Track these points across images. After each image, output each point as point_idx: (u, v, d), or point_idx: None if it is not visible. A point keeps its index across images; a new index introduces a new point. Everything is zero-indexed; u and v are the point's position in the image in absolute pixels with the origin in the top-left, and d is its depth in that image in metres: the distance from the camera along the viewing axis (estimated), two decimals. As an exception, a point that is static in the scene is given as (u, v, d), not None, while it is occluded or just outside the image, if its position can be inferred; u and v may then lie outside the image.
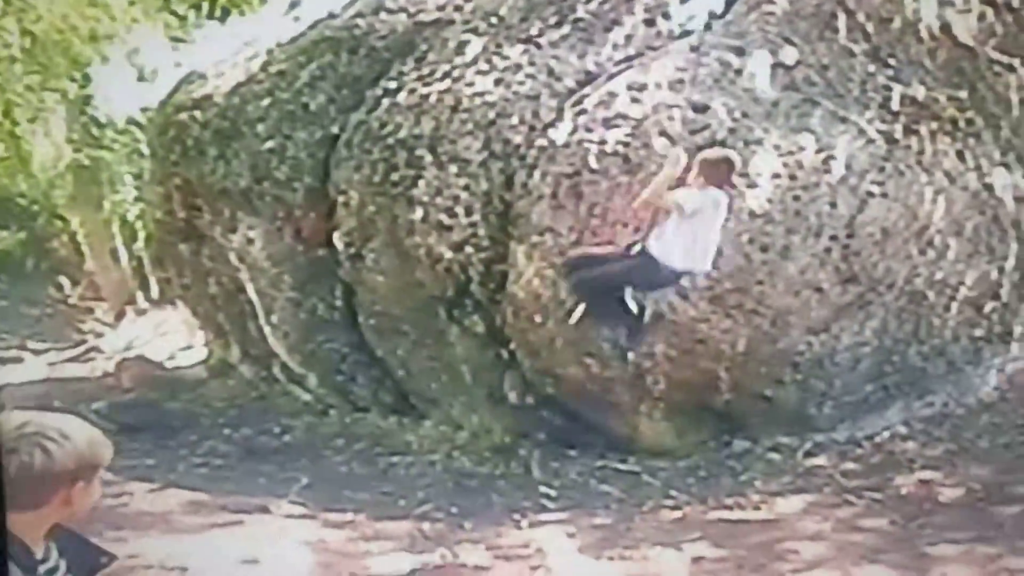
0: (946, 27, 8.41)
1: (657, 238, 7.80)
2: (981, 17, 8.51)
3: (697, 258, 7.77)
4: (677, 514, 7.03)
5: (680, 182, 7.70)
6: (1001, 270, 8.28)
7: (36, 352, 14.30)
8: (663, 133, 7.90)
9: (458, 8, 9.34)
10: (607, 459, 7.82)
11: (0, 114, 14.85)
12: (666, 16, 8.69)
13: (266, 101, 9.48)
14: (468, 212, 8.31)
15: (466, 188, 8.37)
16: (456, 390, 8.56)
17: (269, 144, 9.29)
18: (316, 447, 8.62)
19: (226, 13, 13.87)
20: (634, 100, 8.10)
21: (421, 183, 8.45)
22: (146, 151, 12.34)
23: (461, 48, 8.93)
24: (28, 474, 2.75)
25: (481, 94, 8.55)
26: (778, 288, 7.65)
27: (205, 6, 14.04)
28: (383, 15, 9.56)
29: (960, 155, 8.13)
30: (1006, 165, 8.32)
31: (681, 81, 8.13)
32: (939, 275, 8.04)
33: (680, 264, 7.77)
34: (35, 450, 2.75)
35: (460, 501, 7.45)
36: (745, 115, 7.97)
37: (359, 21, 9.62)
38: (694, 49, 8.35)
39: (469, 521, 7.16)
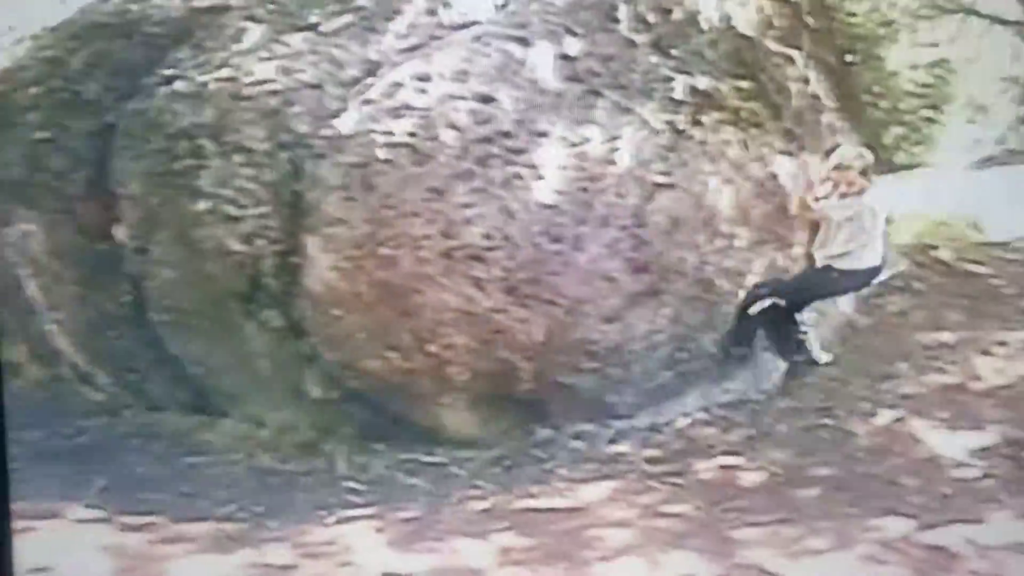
0: (726, 18, 8.56)
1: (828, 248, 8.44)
2: (760, 9, 8.73)
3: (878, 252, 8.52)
4: (484, 504, 7.00)
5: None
6: (788, 257, 8.50)
7: None
8: (450, 124, 7.81)
9: (237, -6, 9.08)
10: (413, 452, 7.70)
11: None
12: (447, 5, 8.58)
13: (36, 89, 8.99)
14: (257, 203, 8.03)
15: (253, 179, 8.07)
16: (256, 387, 8.25)
17: (43, 134, 8.80)
18: (112, 448, 8.21)
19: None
20: (419, 91, 7.94)
21: (205, 173, 8.11)
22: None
23: (239, 35, 8.61)
24: None
25: (263, 82, 8.25)
26: (571, 278, 7.65)
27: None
28: (156, 0, 9.21)
29: (744, 144, 8.27)
30: (789, 153, 8.53)
31: (465, 72, 8.02)
32: (728, 263, 8.16)
33: (871, 261, 8.49)
34: None
35: (264, 500, 7.25)
36: (530, 106, 7.91)
37: (132, 6, 9.16)
38: (477, 39, 8.24)
39: (274, 520, 6.99)
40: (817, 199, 8.49)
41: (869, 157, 8.53)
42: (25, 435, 8.98)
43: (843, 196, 8.41)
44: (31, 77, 9.11)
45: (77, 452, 8.31)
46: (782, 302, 8.35)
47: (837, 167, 8.42)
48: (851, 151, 8.54)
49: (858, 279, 8.71)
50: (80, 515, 7.06)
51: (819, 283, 8.61)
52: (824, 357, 8.49)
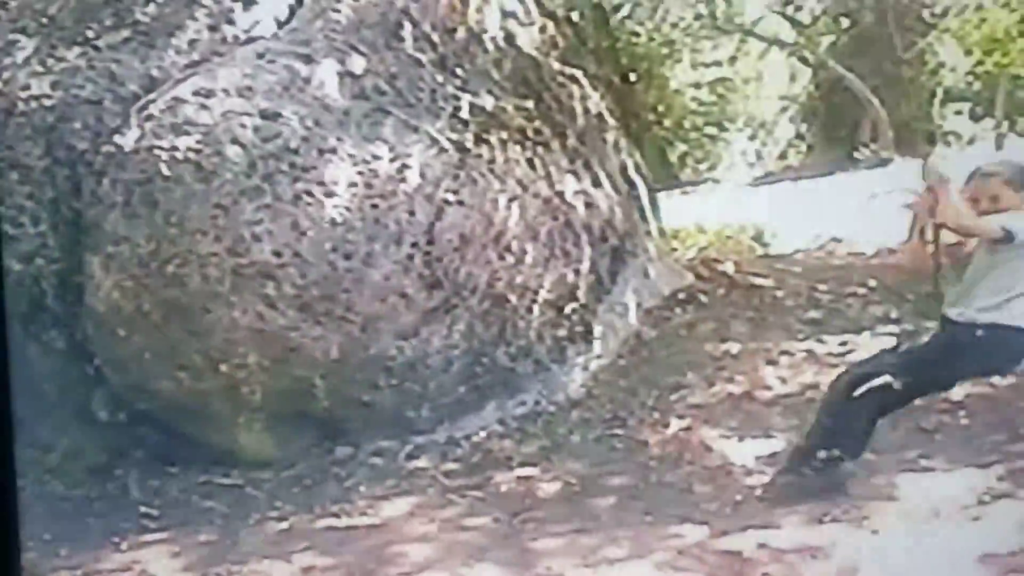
0: (510, 38, 8.63)
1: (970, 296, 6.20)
2: (543, 29, 8.81)
3: None
4: (284, 525, 6.83)
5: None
6: (577, 272, 8.56)
7: None
8: (235, 140, 7.63)
9: (3, 5, 8.68)
10: (209, 474, 7.49)
11: None
12: (231, 22, 8.40)
13: None
14: (35, 222, 7.73)
15: (30, 196, 7.78)
16: (42, 410, 7.83)
17: None
18: None
19: None
20: (202, 107, 7.75)
21: (-21, 192, 7.81)
22: None
23: (10, 48, 8.30)
24: None
25: (38, 97, 7.98)
26: (365, 295, 7.58)
27: None
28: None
29: (531, 163, 8.35)
30: (574, 172, 8.63)
31: (250, 88, 7.87)
32: (519, 279, 8.21)
33: None
34: None
35: (54, 527, 6.87)
36: (317, 123, 7.81)
37: None
38: (260, 56, 8.10)
39: (65, 547, 6.67)
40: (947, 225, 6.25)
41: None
42: None
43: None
44: None
45: None
46: (896, 383, 6.28)
47: (977, 175, 6.26)
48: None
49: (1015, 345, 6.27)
50: None
51: (954, 351, 6.31)
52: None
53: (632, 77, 10.03)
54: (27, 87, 8.00)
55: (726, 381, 8.33)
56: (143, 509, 7.18)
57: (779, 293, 9.31)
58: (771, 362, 8.61)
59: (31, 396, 7.99)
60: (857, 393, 6.29)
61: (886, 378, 6.23)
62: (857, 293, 9.21)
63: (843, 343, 8.84)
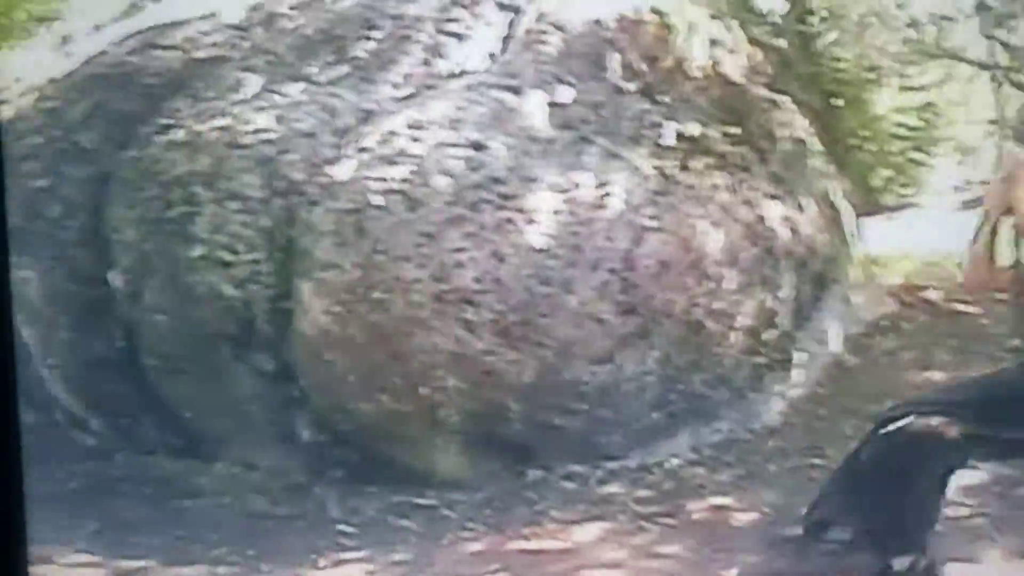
0: (716, 65, 8.50)
1: None
2: (748, 56, 8.66)
3: None
4: (476, 546, 6.82)
5: None
6: (777, 299, 8.33)
7: None
8: (443, 171, 7.72)
9: (234, 46, 8.98)
10: (405, 494, 7.51)
11: None
12: (443, 56, 8.52)
13: (37, 139, 8.92)
14: (250, 249, 7.94)
15: (247, 225, 7.98)
16: (246, 430, 8.12)
17: (40, 182, 8.74)
18: (103, 492, 8.04)
19: (-9, 46, 13.16)
20: (414, 139, 7.89)
21: (199, 220, 8.01)
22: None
23: (238, 86, 8.58)
24: None
25: (260, 131, 8.20)
26: (561, 320, 7.54)
27: (-32, 39, 13.30)
28: (157, 52, 9.11)
29: (733, 189, 8.17)
30: (777, 198, 8.42)
31: (459, 120, 7.97)
32: (717, 305, 8.00)
33: None
34: None
35: (256, 543, 7.07)
36: (523, 153, 7.85)
37: (132, 58, 9.16)
38: (471, 88, 8.20)
39: (266, 563, 6.82)
40: None
41: None
42: (17, 480, 8.84)
43: None
44: (32, 127, 9.05)
45: (69, 497, 8.11)
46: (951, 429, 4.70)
47: None
48: None
49: None
50: (72, 560, 6.91)
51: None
52: None
53: (836, 102, 9.71)
54: (250, 121, 8.27)
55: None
56: (340, 527, 7.26)
57: (983, 321, 8.88)
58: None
59: (237, 416, 8.26)
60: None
61: (933, 420, 4.60)
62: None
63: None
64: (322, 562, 6.80)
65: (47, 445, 9.29)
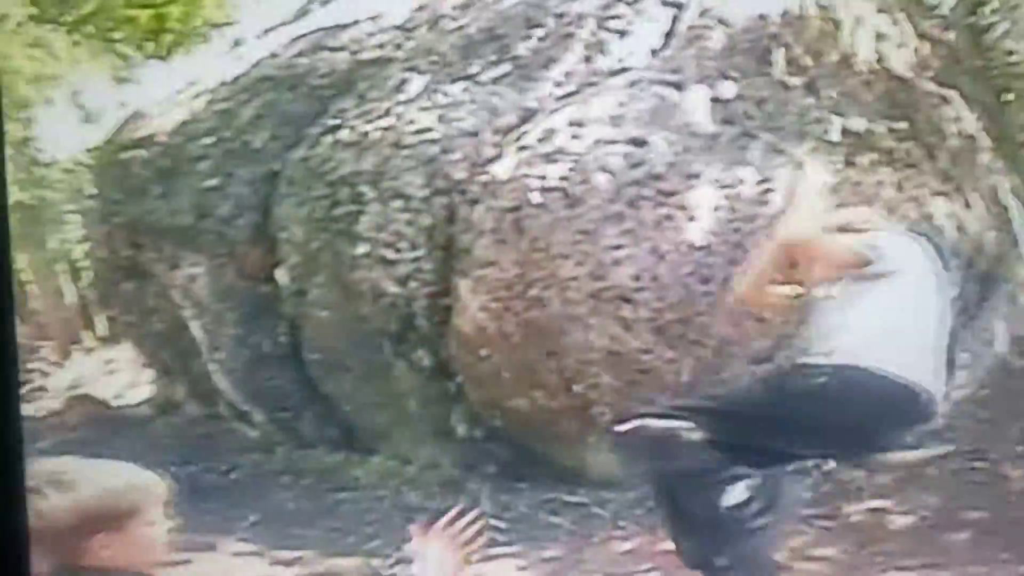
0: (883, 59, 8.32)
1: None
2: (916, 50, 8.45)
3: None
4: (628, 545, 6.78)
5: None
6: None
7: (-20, 393, 13.84)
8: (603, 168, 7.71)
9: (398, 47, 9.14)
10: (556, 491, 7.54)
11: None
12: (605, 52, 8.52)
13: (209, 139, 9.22)
14: (412, 247, 8.06)
15: (409, 223, 8.11)
16: (403, 424, 8.26)
17: (212, 182, 9.02)
18: (263, 484, 8.31)
19: (170, 52, 13.63)
20: (574, 136, 7.89)
21: (364, 219, 8.20)
22: (90, 191, 12.05)
23: (402, 86, 8.71)
24: (43, 521, 2.52)
25: (423, 131, 8.31)
26: (720, 319, 7.43)
27: (149, 46, 13.79)
28: (324, 54, 9.35)
29: (899, 185, 7.97)
30: (944, 195, 8.19)
31: (620, 116, 7.95)
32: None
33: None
34: (49, 495, 2.61)
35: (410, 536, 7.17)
36: (684, 149, 7.78)
37: (301, 60, 9.40)
38: (632, 85, 8.17)
39: (419, 556, 6.93)
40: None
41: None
42: (181, 470, 9.13)
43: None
44: (205, 129, 9.35)
45: (230, 487, 8.46)
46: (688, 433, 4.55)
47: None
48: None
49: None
50: (233, 548, 7.09)
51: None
52: None
53: (1007, 97, 9.37)
54: (414, 121, 8.40)
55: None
56: (493, 523, 7.29)
57: None
58: None
59: (395, 411, 8.38)
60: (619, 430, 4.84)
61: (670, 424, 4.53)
62: None
63: None
64: (474, 556, 6.86)
65: (211, 437, 9.62)
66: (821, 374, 4.42)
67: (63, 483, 2.68)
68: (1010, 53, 9.54)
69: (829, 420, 4.45)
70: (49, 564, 2.60)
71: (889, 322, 4.40)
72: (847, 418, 4.44)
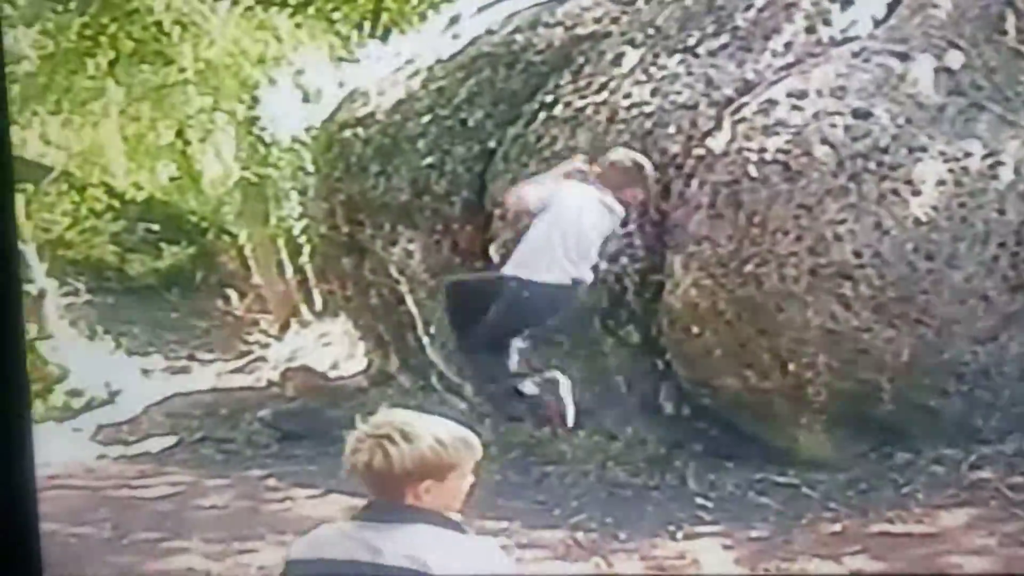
0: None
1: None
2: None
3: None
4: (836, 527, 6.70)
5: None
6: None
7: (204, 363, 14.59)
8: (824, 140, 7.62)
9: (615, 20, 9.18)
10: (765, 471, 7.49)
11: (173, 135, 15.20)
12: (827, 22, 8.39)
13: (426, 118, 9.42)
14: (624, 223, 8.12)
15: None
16: (610, 400, 8.28)
17: (429, 159, 9.22)
18: (471, 455, 8.43)
19: (387, 32, 13.97)
20: (794, 107, 7.79)
21: (576, 194, 8.29)
22: (310, 168, 12.45)
23: (618, 60, 8.74)
24: (369, 472, 3.19)
25: (638, 105, 8.33)
26: (943, 297, 7.25)
27: (367, 26, 14.15)
28: (540, 29, 9.44)
29: None
30: None
31: (843, 88, 7.81)
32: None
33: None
34: (376, 450, 3.17)
35: (614, 511, 7.24)
36: (909, 121, 7.60)
37: (517, 36, 9.51)
38: (856, 55, 8.03)
39: (623, 531, 6.96)
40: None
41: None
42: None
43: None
44: (422, 107, 9.56)
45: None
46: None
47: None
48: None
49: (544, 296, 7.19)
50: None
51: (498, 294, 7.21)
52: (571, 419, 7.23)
53: None
54: (629, 95, 8.44)
55: None
56: (699, 501, 7.31)
57: None
58: None
59: (603, 386, 8.43)
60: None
61: None
62: None
63: None
64: (680, 534, 6.88)
65: (422, 408, 9.77)
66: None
67: (409, 434, 3.20)
68: None
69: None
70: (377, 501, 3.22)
71: None
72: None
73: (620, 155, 7.59)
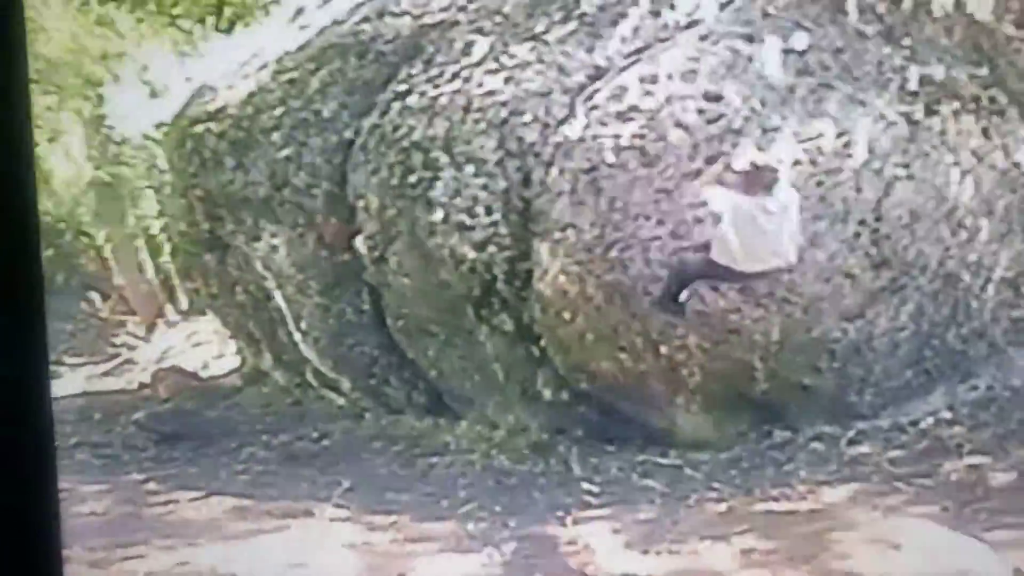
0: (960, 5, 7.81)
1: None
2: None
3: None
4: (723, 507, 6.43)
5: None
6: (1034, 248, 7.65)
7: (72, 366, 13.70)
8: (678, 124, 7.29)
9: (462, 9, 8.69)
10: (647, 453, 7.21)
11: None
12: (672, 7, 8.06)
13: (279, 110, 8.84)
14: (488, 211, 7.69)
15: (484, 188, 7.74)
16: (490, 389, 7.94)
17: (285, 152, 8.65)
18: (355, 450, 8.02)
19: (232, 25, 13.22)
20: (646, 93, 7.48)
21: (439, 184, 7.83)
22: (164, 166, 11.68)
23: (468, 48, 8.29)
24: None
25: (492, 93, 7.92)
26: (808, 276, 7.05)
27: (210, 20, 13.39)
28: (388, 19, 8.91)
29: (985, 133, 7.51)
30: (1032, 142, 7.70)
31: (692, 71, 7.52)
32: (973, 256, 7.42)
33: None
34: None
35: (502, 499, 6.87)
36: (761, 103, 7.37)
37: (364, 26, 8.97)
38: (703, 38, 7.72)
39: (513, 519, 6.54)
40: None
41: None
42: (274, 439, 8.86)
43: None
44: (274, 99, 8.96)
45: (323, 454, 8.14)
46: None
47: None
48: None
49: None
50: (330, 514, 6.77)
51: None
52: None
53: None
54: (482, 84, 7.98)
55: None
56: (585, 486, 6.98)
57: None
58: None
59: (481, 376, 8.05)
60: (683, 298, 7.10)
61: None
62: None
63: None
64: (568, 520, 6.51)
65: (300, 405, 9.33)
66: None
67: None
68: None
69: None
70: None
71: None
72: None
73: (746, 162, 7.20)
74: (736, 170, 7.10)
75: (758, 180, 7.00)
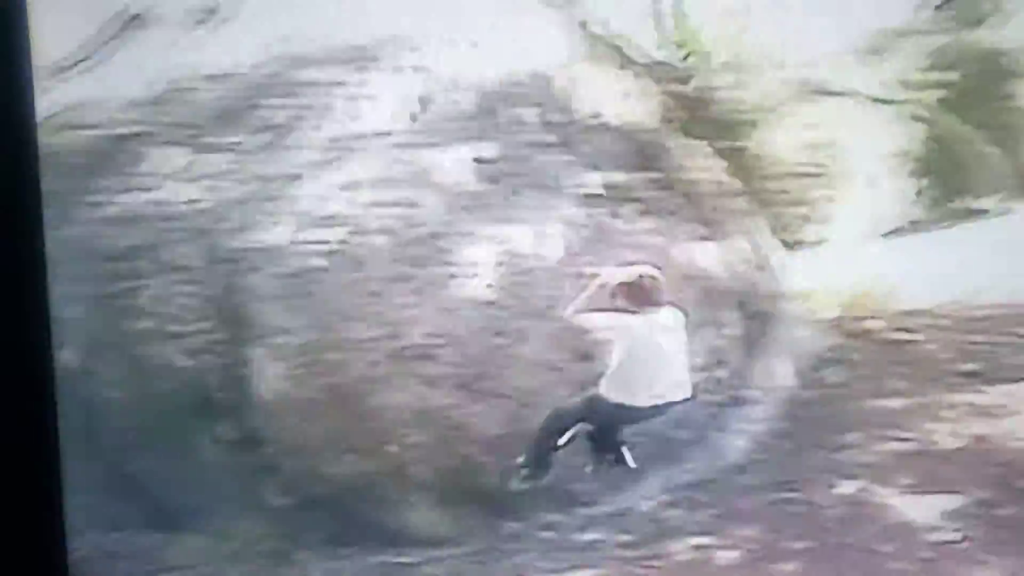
0: (627, 115, 8.38)
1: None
2: (659, 104, 8.57)
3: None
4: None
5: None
6: (723, 337, 8.11)
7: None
8: (381, 229, 7.50)
9: (154, 122, 8.60)
10: (386, 555, 7.23)
11: None
12: (363, 118, 8.25)
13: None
14: (199, 319, 7.59)
15: (192, 295, 7.65)
16: (217, 500, 7.66)
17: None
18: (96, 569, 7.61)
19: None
20: (347, 200, 7.65)
21: (145, 293, 7.67)
22: None
23: (164, 159, 8.21)
24: None
25: (192, 202, 7.87)
26: (519, 370, 7.35)
27: None
28: (71, 133, 8.66)
29: (664, 233, 8.06)
30: (708, 238, 8.31)
31: (390, 178, 7.76)
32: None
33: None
34: None
35: (239, 615, 6.76)
36: (456, 208, 7.68)
37: (49, 140, 8.68)
38: (397, 147, 7.98)
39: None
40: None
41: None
42: None
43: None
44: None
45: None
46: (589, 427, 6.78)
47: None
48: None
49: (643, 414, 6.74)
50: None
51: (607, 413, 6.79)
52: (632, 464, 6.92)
53: (742, 144, 9.59)
54: (179, 193, 7.90)
55: (892, 439, 7.78)
56: (325, 593, 6.97)
57: (930, 347, 8.82)
58: (935, 417, 7.99)
59: (205, 486, 7.82)
60: (562, 442, 6.83)
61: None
62: (1012, 343, 8.66)
63: (1007, 393, 8.22)
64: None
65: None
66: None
67: None
68: (742, 102, 9.77)
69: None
70: None
71: None
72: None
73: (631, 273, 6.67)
74: (616, 284, 6.64)
75: (644, 294, 6.60)
